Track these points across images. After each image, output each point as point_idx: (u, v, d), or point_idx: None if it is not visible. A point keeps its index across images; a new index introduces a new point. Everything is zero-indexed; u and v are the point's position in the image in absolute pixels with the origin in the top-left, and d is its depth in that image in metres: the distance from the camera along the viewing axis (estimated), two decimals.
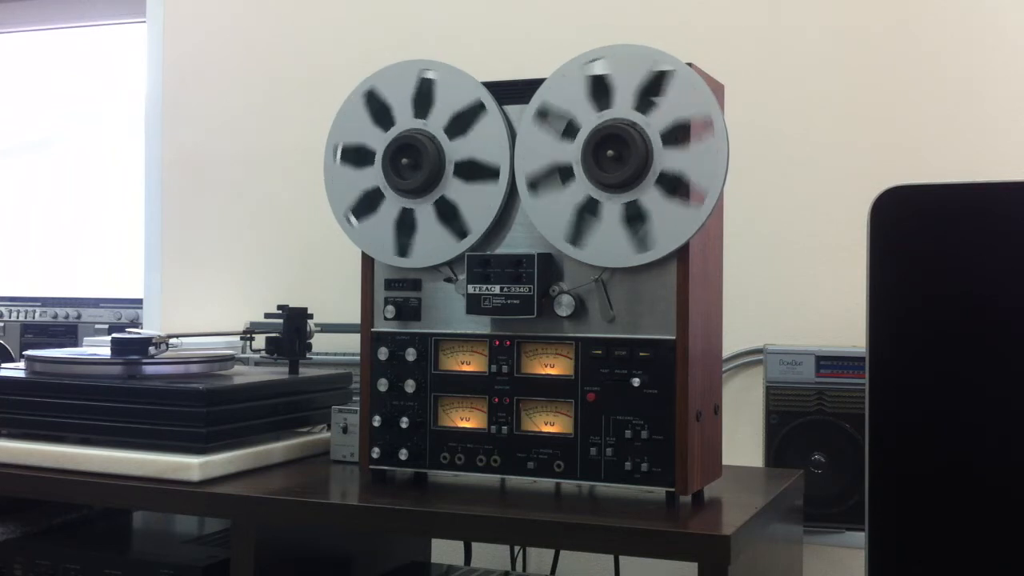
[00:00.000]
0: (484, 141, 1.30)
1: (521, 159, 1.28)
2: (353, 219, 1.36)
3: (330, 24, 2.11)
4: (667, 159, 1.22)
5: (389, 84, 1.35)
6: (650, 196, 1.22)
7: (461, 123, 1.31)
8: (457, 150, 1.31)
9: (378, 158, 1.34)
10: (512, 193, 1.29)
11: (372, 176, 1.35)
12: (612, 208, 1.24)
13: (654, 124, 1.22)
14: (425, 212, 1.33)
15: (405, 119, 1.33)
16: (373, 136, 1.35)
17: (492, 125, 1.30)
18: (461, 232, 1.31)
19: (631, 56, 1.24)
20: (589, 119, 1.24)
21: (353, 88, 1.36)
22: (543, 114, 1.27)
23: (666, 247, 1.22)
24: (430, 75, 1.33)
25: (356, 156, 1.36)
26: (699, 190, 1.21)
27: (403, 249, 1.34)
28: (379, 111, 1.35)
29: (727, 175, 1.21)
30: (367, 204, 1.35)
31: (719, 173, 1.20)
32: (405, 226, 1.34)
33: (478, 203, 1.30)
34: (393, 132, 1.33)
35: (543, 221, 1.27)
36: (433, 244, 1.32)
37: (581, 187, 1.25)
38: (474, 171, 1.31)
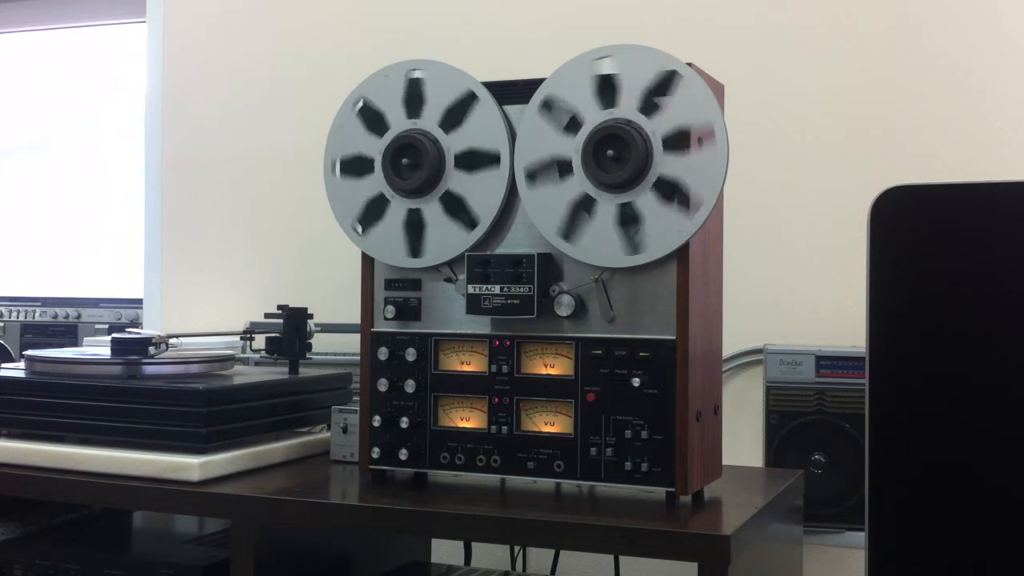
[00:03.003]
0: (480, 129, 1.30)
1: (522, 148, 1.28)
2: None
3: (330, 24, 2.11)
4: (666, 165, 1.22)
5: (378, 90, 1.35)
6: (646, 200, 1.22)
7: (455, 116, 1.31)
8: (455, 143, 1.31)
9: (377, 165, 1.34)
10: (515, 182, 1.29)
11: (374, 183, 1.35)
12: (607, 208, 1.24)
13: (657, 128, 1.22)
14: (432, 209, 1.33)
15: (399, 121, 1.33)
16: (369, 144, 1.35)
17: (486, 113, 1.30)
18: (471, 223, 1.31)
19: (641, 57, 1.23)
20: (593, 116, 1.24)
21: (345, 97, 1.36)
22: (547, 105, 1.27)
23: (657, 252, 1.22)
24: (418, 74, 1.33)
25: (355, 166, 1.36)
26: (695, 199, 1.21)
27: (415, 250, 1.34)
28: (372, 119, 1.35)
29: (724, 187, 1.21)
30: (373, 212, 1.35)
31: (716, 184, 1.20)
32: (414, 226, 1.33)
33: (484, 191, 1.30)
34: (389, 136, 1.33)
35: (538, 213, 1.27)
36: (444, 239, 1.32)
37: (578, 183, 1.25)
38: (475, 160, 1.31)
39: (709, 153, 1.21)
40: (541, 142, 1.27)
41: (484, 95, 1.30)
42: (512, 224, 1.30)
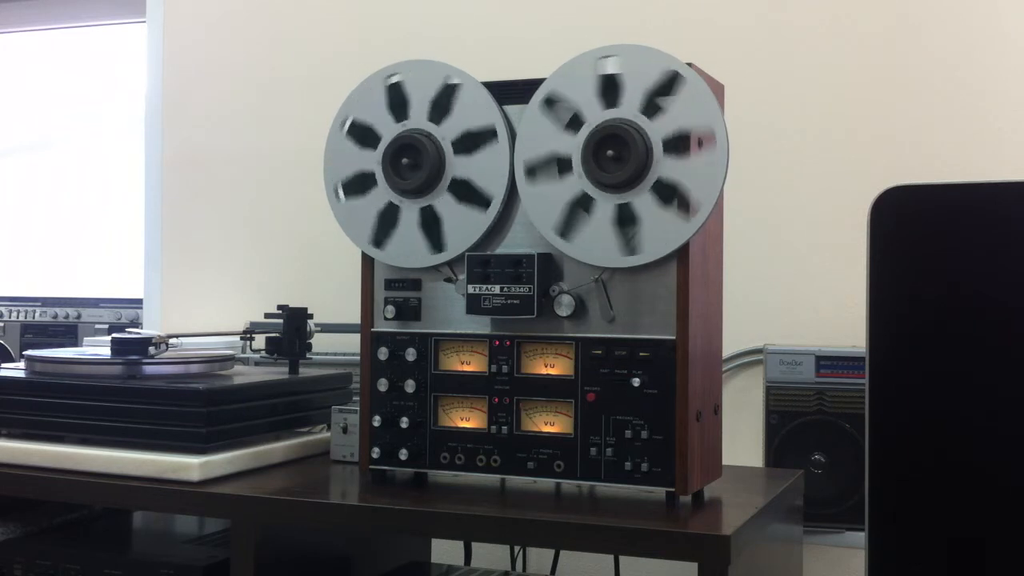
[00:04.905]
0: (470, 111, 1.30)
1: (523, 143, 1.28)
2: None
3: (330, 24, 2.11)
4: (666, 167, 1.22)
5: (362, 105, 1.35)
6: (644, 201, 1.22)
7: (441, 106, 1.31)
8: (449, 131, 1.31)
9: (379, 176, 1.34)
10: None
11: (380, 195, 1.34)
12: (605, 207, 1.24)
13: (658, 130, 1.22)
14: (443, 201, 1.32)
15: (389, 128, 1.33)
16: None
17: (471, 94, 1.30)
18: (484, 202, 1.30)
19: (645, 58, 1.23)
20: (595, 115, 1.24)
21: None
22: (550, 102, 1.27)
23: (653, 253, 1.22)
24: (396, 79, 1.33)
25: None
26: (693, 202, 1.21)
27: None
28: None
29: (722, 191, 1.21)
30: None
31: (715, 188, 1.20)
32: (429, 223, 1.33)
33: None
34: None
35: (535, 210, 1.27)
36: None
37: (577, 182, 1.25)
38: (472, 141, 1.31)
39: (709, 157, 1.20)
40: (542, 138, 1.27)
41: (464, 78, 1.30)
42: (512, 224, 1.30)
